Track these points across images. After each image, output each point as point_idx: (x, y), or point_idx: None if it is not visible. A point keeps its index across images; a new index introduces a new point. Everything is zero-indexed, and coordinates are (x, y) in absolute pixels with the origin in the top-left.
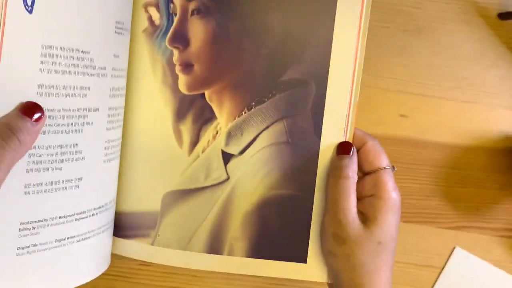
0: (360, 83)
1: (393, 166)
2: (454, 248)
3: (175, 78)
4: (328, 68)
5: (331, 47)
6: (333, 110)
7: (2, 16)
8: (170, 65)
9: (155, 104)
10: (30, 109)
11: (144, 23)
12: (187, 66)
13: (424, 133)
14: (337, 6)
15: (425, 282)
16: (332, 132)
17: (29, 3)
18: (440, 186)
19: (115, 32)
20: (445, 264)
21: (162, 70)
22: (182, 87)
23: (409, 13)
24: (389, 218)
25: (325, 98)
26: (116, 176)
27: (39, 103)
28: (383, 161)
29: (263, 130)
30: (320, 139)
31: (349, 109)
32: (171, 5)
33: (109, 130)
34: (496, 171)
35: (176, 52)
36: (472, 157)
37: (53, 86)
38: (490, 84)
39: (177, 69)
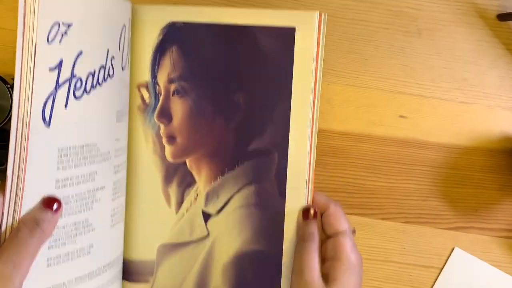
0: (316, 152)
1: (354, 229)
2: (453, 249)
3: (163, 148)
4: (288, 139)
5: (289, 121)
6: (295, 176)
7: (27, 131)
8: (158, 137)
9: (149, 171)
10: (50, 202)
11: (138, 100)
12: (171, 138)
13: (423, 134)
14: (293, 86)
15: (424, 283)
16: (295, 195)
17: (47, 120)
18: (439, 186)
19: (116, 121)
20: (444, 264)
21: (153, 141)
22: (168, 155)
23: (409, 14)
24: (348, 278)
25: (287, 166)
26: (122, 234)
27: (56, 196)
28: (343, 225)
29: (235, 193)
30: (285, 200)
31: (309, 174)
32: (157, 87)
33: (114, 200)
34: (495, 171)
35: (162, 126)
36: (471, 157)
37: (68, 178)
38: (490, 85)
39: (164, 140)
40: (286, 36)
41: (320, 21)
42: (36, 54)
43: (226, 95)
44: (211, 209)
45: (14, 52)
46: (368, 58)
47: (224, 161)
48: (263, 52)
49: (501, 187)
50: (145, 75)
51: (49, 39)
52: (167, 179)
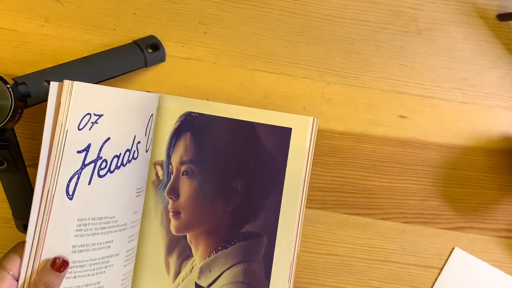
0: (300, 240)
1: None
2: (453, 249)
3: (169, 221)
4: (277, 226)
5: (279, 210)
6: (280, 259)
7: (50, 204)
8: (166, 211)
9: (155, 240)
10: (55, 263)
11: (153, 176)
12: (177, 213)
13: (423, 134)
14: (285, 178)
15: (424, 283)
16: (279, 278)
17: (70, 194)
18: (439, 186)
19: (136, 196)
20: (444, 264)
21: (161, 214)
22: (173, 229)
23: (409, 14)
24: None
25: (274, 250)
26: None
27: (63, 257)
28: None
29: (226, 270)
30: (269, 282)
31: (293, 259)
32: (170, 166)
33: (126, 266)
34: (495, 171)
35: (170, 202)
36: (471, 157)
37: (84, 245)
38: (490, 85)
39: (170, 214)
40: (283, 134)
41: (313, 124)
42: (66, 139)
43: (227, 181)
44: (203, 282)
45: (14, 52)
46: (368, 58)
47: (219, 239)
48: (262, 145)
49: (501, 187)
50: (162, 155)
51: (80, 127)
52: (169, 250)
